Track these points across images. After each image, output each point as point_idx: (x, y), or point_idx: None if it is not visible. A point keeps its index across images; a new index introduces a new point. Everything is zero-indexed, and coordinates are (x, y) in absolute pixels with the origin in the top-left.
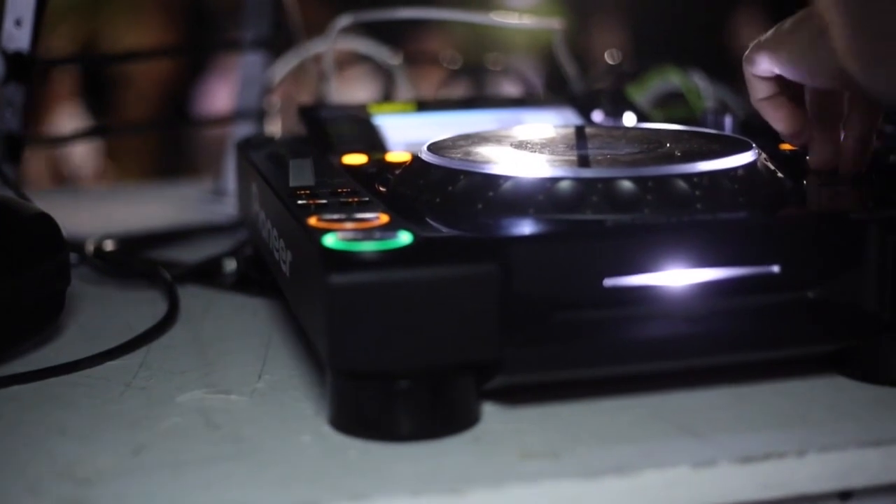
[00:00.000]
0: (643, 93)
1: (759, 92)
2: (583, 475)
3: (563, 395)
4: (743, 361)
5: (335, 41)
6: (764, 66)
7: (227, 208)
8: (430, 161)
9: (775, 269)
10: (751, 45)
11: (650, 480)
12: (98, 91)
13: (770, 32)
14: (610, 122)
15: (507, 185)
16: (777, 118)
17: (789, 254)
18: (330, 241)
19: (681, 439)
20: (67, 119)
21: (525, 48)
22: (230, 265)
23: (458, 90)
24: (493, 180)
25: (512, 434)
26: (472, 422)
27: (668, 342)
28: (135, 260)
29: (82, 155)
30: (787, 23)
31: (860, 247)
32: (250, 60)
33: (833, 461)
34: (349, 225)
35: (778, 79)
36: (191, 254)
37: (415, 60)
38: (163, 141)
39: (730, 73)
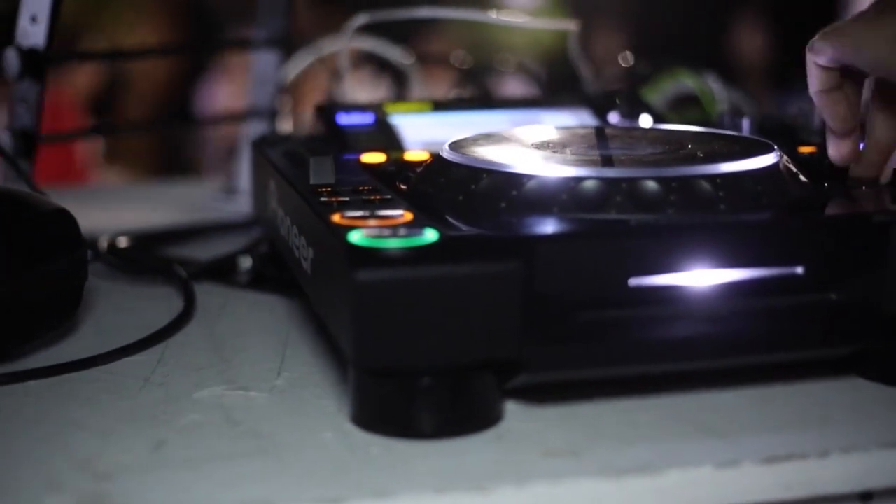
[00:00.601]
0: (657, 95)
1: (822, 83)
2: (605, 474)
3: (585, 394)
4: (765, 362)
5: (350, 41)
6: (833, 55)
7: (240, 207)
8: (453, 159)
9: (799, 270)
10: (818, 33)
11: (673, 480)
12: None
13: (842, 22)
14: (626, 124)
15: (531, 183)
16: (833, 113)
17: (813, 255)
18: (356, 237)
19: (703, 439)
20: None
21: (528, 50)
22: (246, 263)
23: (468, 91)
24: (517, 179)
25: (534, 432)
26: (494, 420)
27: (690, 342)
28: (149, 257)
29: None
30: (865, 13)
31: (883, 248)
32: (263, 59)
33: (855, 462)
34: (373, 222)
35: (840, 71)
36: (204, 252)
37: (423, 61)
38: (163, 141)
39: (733, 76)
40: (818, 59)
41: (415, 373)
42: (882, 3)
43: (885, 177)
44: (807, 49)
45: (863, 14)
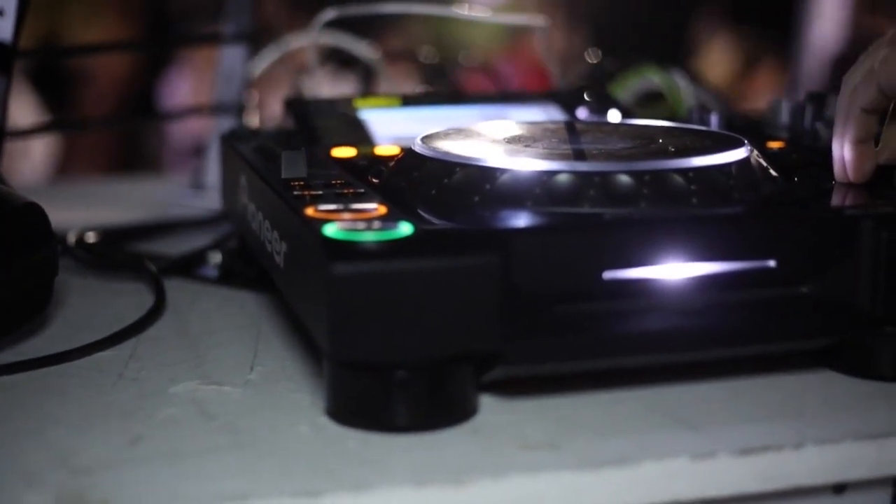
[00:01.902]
0: (624, 91)
1: (864, 131)
2: (582, 466)
3: (561, 387)
4: (739, 355)
5: (319, 36)
6: (893, 89)
7: (207, 202)
8: (426, 153)
9: (771, 263)
10: (857, 74)
11: (649, 472)
12: (57, 86)
13: (891, 53)
14: (595, 119)
15: (505, 177)
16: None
17: (785, 249)
18: (331, 230)
19: (679, 431)
20: (22, 113)
21: (494, 45)
22: (215, 258)
23: (435, 86)
24: (491, 173)
25: (511, 425)
26: (470, 413)
27: (666, 335)
28: (119, 252)
29: (38, 152)
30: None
31: (854, 242)
32: (230, 54)
33: (829, 454)
34: (347, 215)
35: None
36: (173, 247)
37: (389, 56)
38: (123, 138)
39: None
40: (863, 105)
41: (390, 366)
42: None
43: (864, 176)
44: (846, 95)
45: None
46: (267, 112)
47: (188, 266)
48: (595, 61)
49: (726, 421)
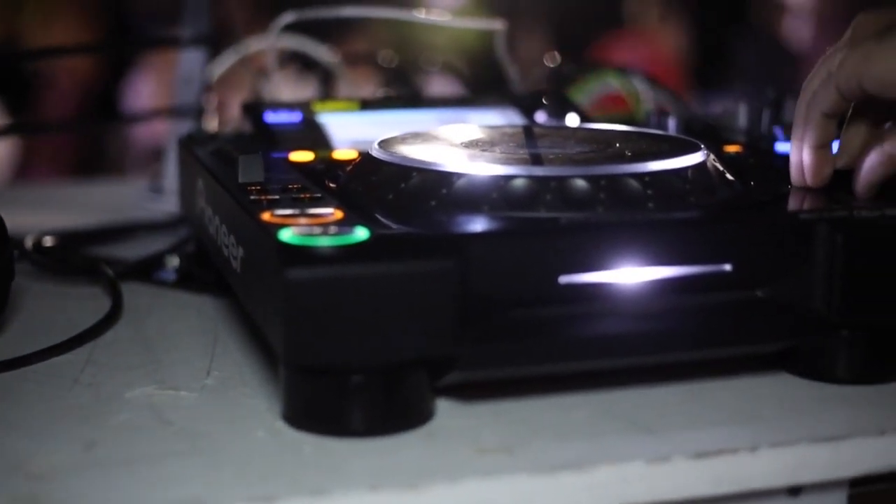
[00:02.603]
0: (583, 95)
1: (824, 136)
2: (538, 470)
3: (517, 392)
4: (694, 359)
5: (278, 39)
6: (852, 92)
7: (166, 206)
8: (383, 158)
9: (727, 267)
10: (815, 82)
11: (605, 476)
12: (17, 89)
13: (848, 56)
14: (554, 123)
15: (461, 182)
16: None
17: (741, 253)
18: (287, 235)
19: (635, 435)
20: None
21: (453, 49)
22: (173, 262)
23: (395, 90)
24: (447, 177)
25: (466, 430)
26: (426, 418)
27: (622, 339)
28: (76, 256)
29: None
30: (871, 38)
31: (809, 246)
32: (189, 57)
33: (784, 457)
34: (304, 220)
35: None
36: (131, 251)
37: (348, 60)
38: (83, 141)
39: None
40: (824, 109)
41: (346, 371)
42: (882, 18)
43: (822, 181)
44: (804, 100)
45: (869, 40)
46: (226, 115)
47: (146, 270)
48: (554, 65)
49: (682, 425)
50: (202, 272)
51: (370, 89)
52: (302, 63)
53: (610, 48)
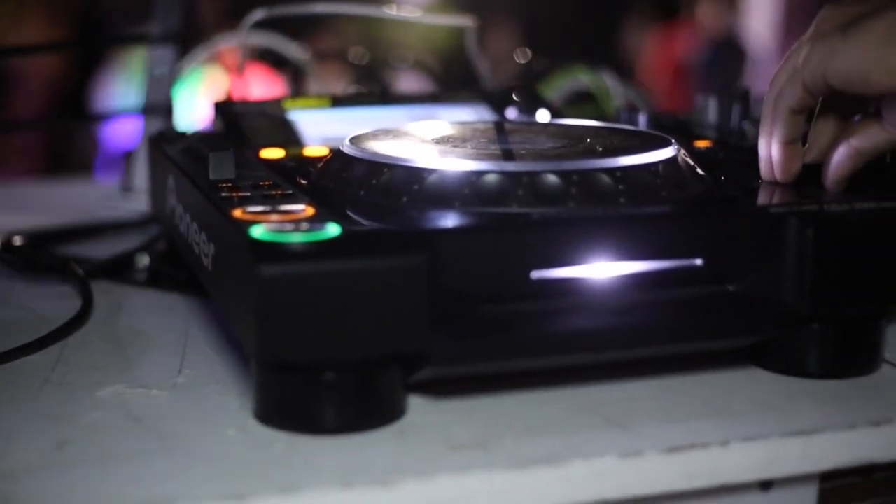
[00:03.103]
0: (553, 91)
1: (794, 131)
2: (512, 466)
3: (489, 387)
4: (666, 353)
5: (248, 36)
6: (818, 87)
7: (136, 205)
8: (354, 154)
9: (698, 262)
10: (782, 80)
11: (577, 471)
12: None
13: (813, 51)
14: (524, 119)
15: (433, 178)
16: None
17: (712, 247)
18: (258, 232)
19: (607, 430)
20: None
21: (424, 46)
22: (143, 261)
23: (365, 87)
24: (419, 173)
25: (439, 426)
26: (398, 414)
27: (594, 334)
28: (46, 255)
29: None
30: (835, 33)
31: (780, 240)
32: (159, 55)
33: (756, 451)
34: (275, 217)
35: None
36: (101, 250)
37: (319, 57)
38: (53, 140)
39: (628, 73)
40: (791, 105)
41: (318, 368)
42: (845, 12)
43: (792, 176)
44: (772, 96)
45: (833, 34)
46: (198, 114)
47: (116, 269)
48: (524, 61)
49: (654, 419)
50: (173, 270)
51: (341, 86)
52: (272, 60)
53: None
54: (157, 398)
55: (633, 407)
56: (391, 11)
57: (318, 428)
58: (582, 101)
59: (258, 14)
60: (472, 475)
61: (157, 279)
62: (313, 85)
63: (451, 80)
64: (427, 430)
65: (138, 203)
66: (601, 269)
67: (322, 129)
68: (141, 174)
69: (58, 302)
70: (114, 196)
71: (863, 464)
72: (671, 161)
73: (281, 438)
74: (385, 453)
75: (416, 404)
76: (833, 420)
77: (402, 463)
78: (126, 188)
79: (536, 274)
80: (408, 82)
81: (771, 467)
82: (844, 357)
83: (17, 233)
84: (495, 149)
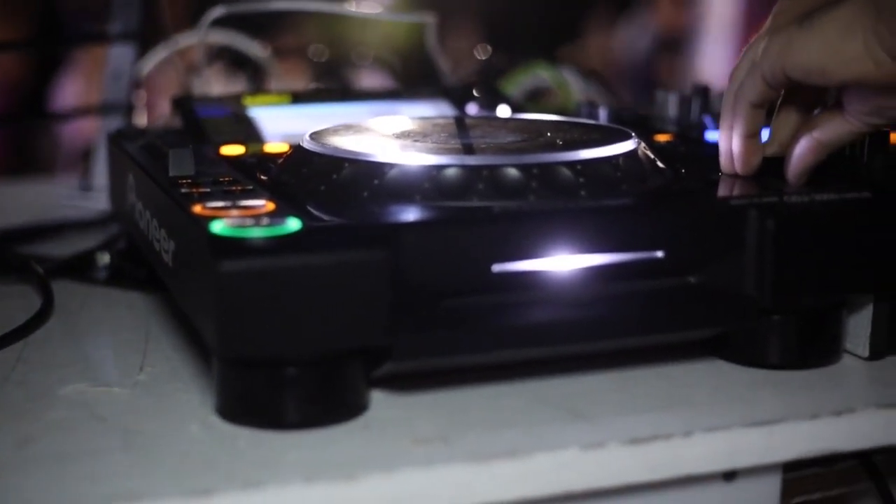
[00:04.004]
0: (514, 87)
1: (754, 125)
2: (474, 459)
3: (452, 382)
4: (628, 345)
5: (206, 34)
6: (777, 79)
7: (97, 204)
8: (314, 150)
9: (659, 254)
10: (743, 71)
11: (540, 463)
12: None
13: (771, 44)
14: (485, 114)
15: (393, 172)
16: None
17: (672, 239)
18: (218, 227)
19: (569, 423)
20: None
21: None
22: (104, 259)
23: (326, 83)
24: (379, 168)
25: (402, 420)
26: (361, 409)
27: (555, 327)
28: (5, 254)
29: None
30: (792, 25)
31: (740, 232)
32: (118, 53)
33: (718, 441)
34: (235, 212)
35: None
36: (62, 249)
37: (280, 54)
38: (13, 140)
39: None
40: (755, 98)
41: (280, 363)
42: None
43: (752, 169)
44: (732, 90)
45: (792, 25)
46: (158, 112)
47: (76, 268)
48: (485, 57)
49: (616, 411)
50: (133, 268)
51: (302, 84)
52: (233, 58)
53: None
54: (118, 396)
55: (595, 399)
56: (351, 8)
57: (280, 423)
58: (542, 97)
59: (217, 11)
60: (435, 469)
61: (118, 277)
62: (274, 82)
63: (412, 77)
64: (390, 424)
65: (98, 201)
66: (563, 262)
67: (282, 125)
68: (101, 172)
69: (18, 301)
70: (74, 195)
71: (825, 454)
72: (631, 154)
73: (244, 434)
74: (348, 448)
75: (380, 399)
76: (795, 410)
77: (364, 457)
78: (86, 187)
79: (498, 267)
80: (369, 79)
81: (734, 458)
82: (806, 348)
83: None
84: (456, 143)
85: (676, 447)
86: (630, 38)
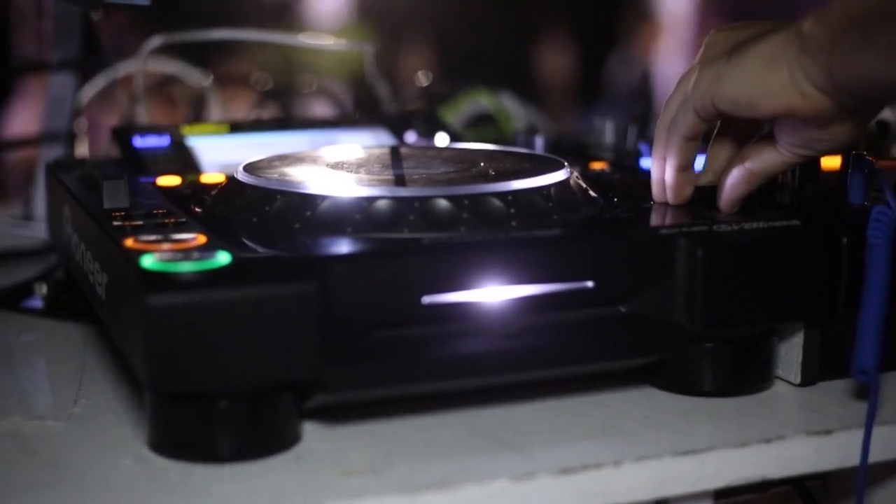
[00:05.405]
0: (454, 114)
1: (688, 157)
2: (404, 491)
3: (383, 413)
4: (559, 375)
5: (146, 62)
6: (708, 112)
7: (38, 233)
8: (247, 181)
9: (589, 284)
10: (670, 104)
11: (471, 494)
12: None
13: (701, 76)
14: (423, 143)
15: (325, 204)
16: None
17: (602, 269)
18: (148, 261)
19: (500, 453)
20: None
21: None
22: (41, 289)
23: (269, 112)
24: (311, 200)
25: (333, 452)
26: (293, 441)
27: (486, 358)
28: None
29: None
30: (721, 58)
31: (670, 261)
32: (58, 82)
33: (649, 470)
34: (166, 246)
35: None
36: (0, 278)
37: (224, 82)
38: None
39: (536, 95)
40: (683, 133)
41: (211, 396)
42: (728, 36)
43: (684, 200)
44: (665, 123)
45: (720, 59)
46: (101, 140)
47: (13, 298)
48: (426, 84)
49: (546, 441)
50: (71, 300)
51: (246, 112)
52: (178, 87)
53: None
54: (52, 429)
55: (526, 429)
56: (291, 38)
57: (212, 456)
58: (483, 124)
59: (156, 41)
60: (365, 500)
61: (56, 308)
62: (218, 111)
63: (358, 105)
64: (322, 456)
65: (40, 231)
66: (493, 293)
67: (221, 155)
68: (41, 202)
69: None
70: (17, 224)
71: (756, 480)
72: (563, 184)
73: (175, 468)
74: (279, 480)
75: (311, 431)
76: (726, 438)
77: (295, 490)
78: (27, 216)
79: (428, 299)
80: (314, 107)
81: (665, 486)
82: (737, 375)
83: None
84: (388, 174)
85: (607, 476)
86: (619, 73)
